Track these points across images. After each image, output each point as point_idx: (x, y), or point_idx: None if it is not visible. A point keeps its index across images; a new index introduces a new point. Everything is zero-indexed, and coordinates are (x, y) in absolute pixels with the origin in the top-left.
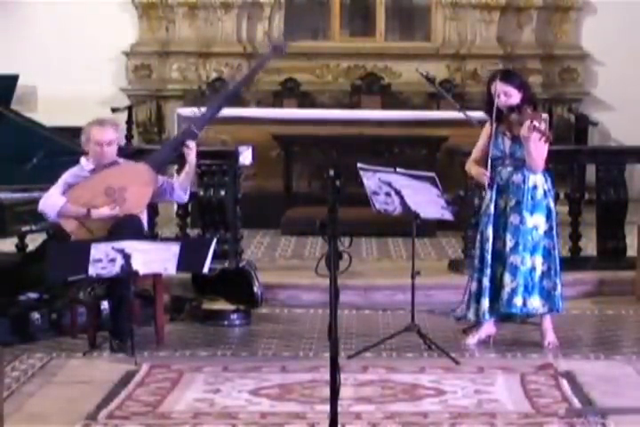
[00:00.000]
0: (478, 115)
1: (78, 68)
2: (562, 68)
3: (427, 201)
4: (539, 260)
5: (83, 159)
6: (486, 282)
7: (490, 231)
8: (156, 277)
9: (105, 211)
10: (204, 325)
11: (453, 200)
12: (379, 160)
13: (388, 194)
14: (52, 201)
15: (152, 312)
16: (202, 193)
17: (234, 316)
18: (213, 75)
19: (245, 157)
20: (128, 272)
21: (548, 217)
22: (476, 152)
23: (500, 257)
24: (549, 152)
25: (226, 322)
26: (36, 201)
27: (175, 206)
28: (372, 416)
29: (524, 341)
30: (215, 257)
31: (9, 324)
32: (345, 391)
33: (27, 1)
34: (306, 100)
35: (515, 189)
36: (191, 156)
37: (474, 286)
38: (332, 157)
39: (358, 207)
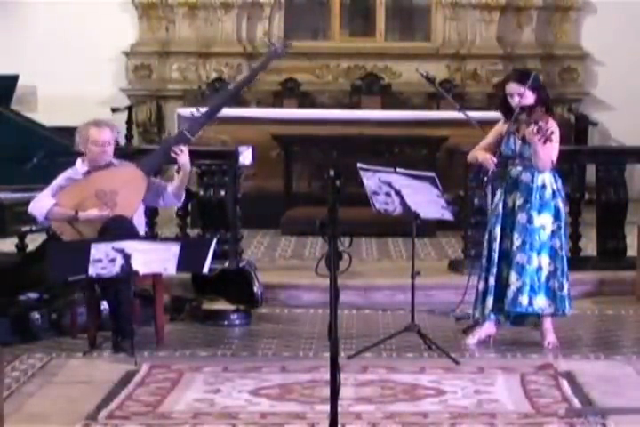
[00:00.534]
0: (478, 115)
1: (78, 68)
2: (562, 68)
3: (427, 201)
4: (545, 259)
5: (78, 161)
6: (492, 281)
7: (498, 230)
8: (155, 278)
9: (93, 212)
10: (203, 325)
11: (453, 200)
12: (379, 160)
13: (387, 194)
14: (40, 203)
15: (152, 312)
16: (202, 193)
17: (234, 316)
18: (213, 75)
19: (245, 157)
20: (128, 272)
21: (556, 217)
22: (482, 144)
23: (507, 256)
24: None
25: (226, 322)
26: None
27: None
28: (372, 416)
29: (523, 341)
30: (215, 257)
31: (9, 324)
32: (345, 391)
33: (27, 1)
34: (306, 100)
35: (523, 187)
36: (182, 160)
37: (481, 285)
38: (331, 157)
39: (358, 207)
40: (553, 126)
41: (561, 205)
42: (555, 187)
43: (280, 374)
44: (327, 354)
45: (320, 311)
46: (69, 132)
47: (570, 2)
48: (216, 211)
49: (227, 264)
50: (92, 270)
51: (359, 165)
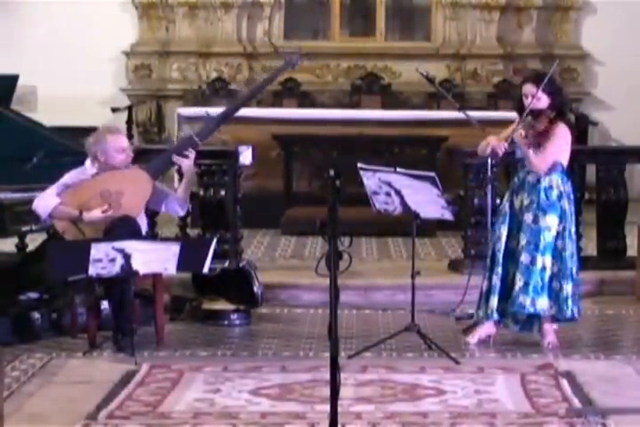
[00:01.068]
0: (478, 115)
1: (78, 68)
2: (562, 67)
3: (427, 201)
4: (548, 260)
5: (88, 162)
6: (496, 281)
7: (503, 230)
8: (156, 277)
9: (97, 213)
10: (204, 325)
11: (453, 200)
12: (379, 160)
13: (388, 194)
14: (45, 201)
15: (152, 312)
16: (202, 193)
17: (234, 316)
18: (213, 75)
19: (245, 156)
20: (128, 272)
21: (562, 218)
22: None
23: (513, 256)
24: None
25: (226, 322)
26: None
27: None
28: (372, 416)
29: (524, 341)
30: (215, 257)
31: (9, 324)
32: (345, 391)
33: (27, 1)
34: (306, 100)
35: (530, 188)
36: (186, 164)
37: (485, 284)
38: (332, 157)
39: (358, 207)
40: (559, 133)
41: (567, 206)
42: (562, 188)
43: (280, 374)
44: (327, 354)
45: (320, 311)
46: (69, 131)
47: (570, 2)
48: (216, 211)
49: (227, 264)
50: (92, 270)
51: (359, 164)
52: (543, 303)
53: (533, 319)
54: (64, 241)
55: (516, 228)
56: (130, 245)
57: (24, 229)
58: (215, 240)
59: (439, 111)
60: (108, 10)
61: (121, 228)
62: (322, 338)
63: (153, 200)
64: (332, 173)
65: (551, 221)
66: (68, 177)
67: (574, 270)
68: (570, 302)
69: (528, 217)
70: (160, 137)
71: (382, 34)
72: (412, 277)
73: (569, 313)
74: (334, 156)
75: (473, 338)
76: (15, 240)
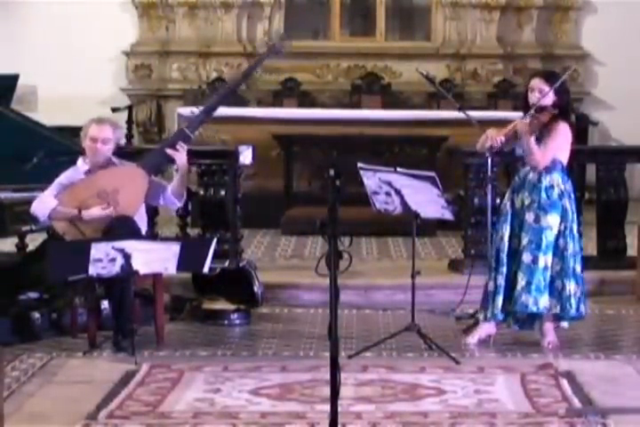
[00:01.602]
0: (478, 114)
1: (78, 68)
2: (562, 67)
3: (427, 201)
4: (550, 259)
5: (79, 160)
6: (501, 281)
7: (505, 230)
8: (156, 277)
9: (96, 211)
10: (204, 324)
11: (453, 200)
12: (379, 160)
13: (388, 194)
14: (42, 204)
15: (152, 312)
16: (202, 193)
17: (234, 315)
18: (213, 74)
19: (245, 156)
20: (128, 272)
21: (564, 217)
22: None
23: (515, 256)
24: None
25: (226, 322)
26: None
27: (179, 206)
28: (372, 416)
29: (524, 340)
30: (215, 257)
31: (9, 324)
32: (345, 391)
33: (27, 1)
34: (306, 100)
35: (530, 187)
36: (180, 158)
37: (490, 285)
38: (332, 157)
39: (358, 207)
40: (561, 130)
41: (568, 205)
42: (563, 187)
43: (280, 374)
44: (327, 354)
45: (320, 311)
46: (70, 131)
47: (570, 2)
48: (216, 210)
49: (227, 264)
50: (93, 270)
51: (359, 164)
52: (545, 302)
53: (534, 318)
54: (64, 241)
55: (517, 227)
56: (130, 245)
57: (24, 228)
58: (215, 240)
59: (439, 111)
60: (108, 10)
61: (119, 228)
62: (322, 338)
63: (150, 194)
64: (332, 172)
65: (553, 221)
66: (63, 177)
67: (577, 269)
68: (573, 300)
69: (529, 216)
70: (160, 137)
71: (382, 34)
72: (412, 276)
73: (573, 311)
74: (334, 155)
75: (473, 338)
76: (15, 240)
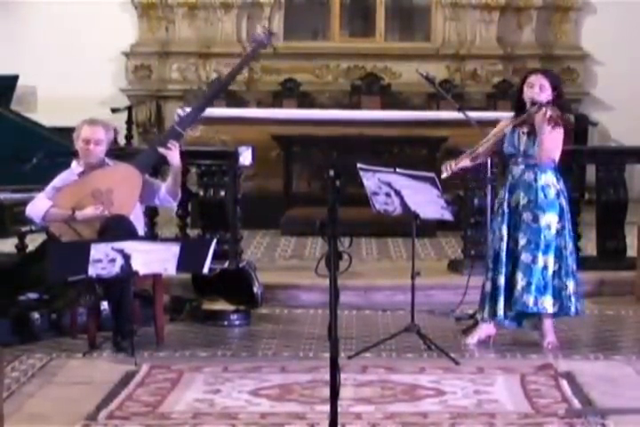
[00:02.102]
0: (478, 115)
1: (78, 69)
2: (562, 68)
3: (426, 201)
4: (550, 259)
5: (74, 162)
6: (502, 281)
7: (504, 230)
8: (155, 278)
9: (89, 211)
10: (203, 325)
11: (453, 200)
12: (378, 160)
13: (387, 194)
14: (36, 206)
15: (152, 313)
16: (202, 193)
17: (234, 316)
18: (213, 75)
19: (245, 157)
20: (128, 272)
21: (561, 216)
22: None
23: (511, 256)
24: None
25: (226, 322)
26: None
27: (175, 206)
28: (371, 417)
29: (523, 341)
30: (215, 257)
31: (9, 324)
32: (345, 392)
33: (27, 1)
34: (305, 101)
35: (526, 187)
36: (172, 156)
37: (488, 285)
38: (331, 158)
39: (358, 207)
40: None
41: (565, 204)
42: (558, 186)
43: (280, 375)
44: (327, 354)
45: (320, 312)
46: (69, 132)
47: (570, 2)
48: (216, 211)
49: (226, 264)
50: (92, 271)
51: (359, 165)
52: (547, 302)
53: (532, 316)
54: (64, 242)
55: (513, 227)
56: (129, 246)
57: (24, 229)
58: (215, 241)
59: (439, 112)
60: (107, 10)
61: (115, 227)
62: (322, 338)
63: (145, 194)
64: (331, 173)
65: (551, 220)
66: (58, 179)
67: (574, 267)
68: (573, 298)
69: (527, 216)
70: None
71: (382, 34)
72: (412, 277)
73: (572, 310)
74: (334, 156)
75: (472, 339)
76: (15, 241)
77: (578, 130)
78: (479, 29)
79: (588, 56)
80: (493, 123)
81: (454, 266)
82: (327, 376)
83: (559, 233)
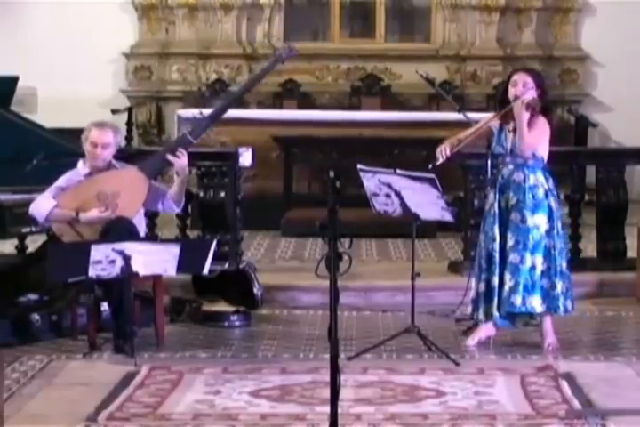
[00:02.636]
0: (478, 116)
1: (78, 70)
2: (562, 69)
3: (427, 202)
4: (539, 259)
5: (80, 163)
6: (496, 282)
7: (495, 231)
8: (155, 279)
9: (94, 213)
10: (203, 326)
11: (453, 201)
12: (378, 161)
13: (387, 195)
14: (40, 205)
15: (152, 314)
16: (202, 194)
17: (234, 317)
18: (213, 76)
19: (245, 158)
20: (128, 274)
21: (550, 217)
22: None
23: (501, 256)
24: (550, 153)
25: (226, 323)
26: None
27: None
28: (372, 418)
29: (523, 342)
30: (215, 258)
31: (9, 325)
32: (345, 393)
33: (27, 1)
34: (306, 102)
35: (515, 187)
36: (180, 164)
37: (481, 286)
38: (331, 159)
39: (358, 209)
40: (543, 122)
41: (554, 204)
42: (546, 186)
43: (280, 376)
44: (327, 355)
45: (320, 313)
46: (69, 133)
47: (569, 3)
48: (216, 212)
49: (227, 265)
50: (92, 272)
51: (359, 166)
52: (535, 302)
53: (524, 315)
54: (64, 243)
55: (503, 227)
56: (130, 247)
57: (24, 230)
58: (215, 242)
59: (439, 113)
60: (107, 11)
61: (116, 229)
62: (322, 339)
63: (149, 200)
64: (331, 174)
65: (539, 220)
66: (63, 179)
67: (564, 265)
68: (562, 298)
69: (516, 216)
70: (160, 139)
71: (382, 35)
72: (412, 278)
73: (561, 309)
74: (334, 157)
75: (473, 340)
76: (15, 242)
77: (578, 131)
78: (479, 30)
79: (588, 57)
80: None
81: (454, 267)
82: (327, 377)
83: (548, 233)
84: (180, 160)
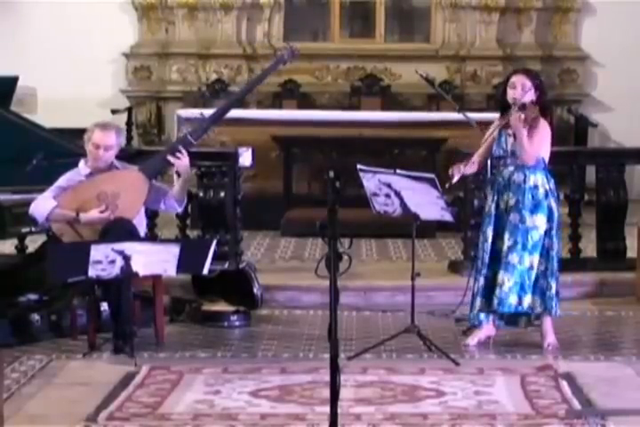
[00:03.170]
0: (477, 116)
1: (78, 70)
2: (561, 69)
3: (426, 202)
4: (536, 259)
5: (81, 163)
6: (482, 282)
7: (490, 232)
8: (155, 279)
9: (94, 214)
10: (203, 326)
11: (453, 201)
12: (378, 161)
13: (387, 195)
14: (41, 205)
15: (152, 314)
16: (201, 194)
17: (233, 317)
18: (213, 76)
19: (245, 158)
20: (128, 274)
21: (549, 217)
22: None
23: (498, 257)
24: (550, 154)
25: (225, 323)
26: None
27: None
28: (371, 418)
29: (523, 342)
30: (215, 258)
31: (9, 325)
32: (345, 393)
33: (27, 1)
34: (305, 102)
35: (515, 188)
36: (181, 165)
37: (479, 283)
38: (331, 159)
39: (358, 209)
40: (543, 126)
41: (554, 205)
42: (547, 187)
43: (280, 376)
44: (327, 355)
45: (320, 313)
46: (69, 133)
47: (569, 3)
48: (216, 212)
49: (226, 265)
50: (92, 272)
51: (359, 166)
52: (530, 302)
53: (518, 315)
54: (64, 243)
55: (501, 228)
56: (129, 247)
57: (24, 230)
58: (215, 242)
59: (439, 112)
60: (107, 11)
61: (116, 229)
62: (322, 339)
63: (150, 200)
64: (331, 174)
65: (539, 221)
66: (63, 179)
67: (556, 267)
68: (556, 298)
69: (514, 217)
70: (160, 139)
71: (382, 35)
72: (412, 278)
73: (554, 310)
74: (334, 157)
75: (472, 340)
76: (15, 242)
77: (578, 131)
78: (479, 30)
79: (587, 57)
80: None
81: (454, 267)
82: (327, 377)
83: (547, 234)
84: (181, 161)
